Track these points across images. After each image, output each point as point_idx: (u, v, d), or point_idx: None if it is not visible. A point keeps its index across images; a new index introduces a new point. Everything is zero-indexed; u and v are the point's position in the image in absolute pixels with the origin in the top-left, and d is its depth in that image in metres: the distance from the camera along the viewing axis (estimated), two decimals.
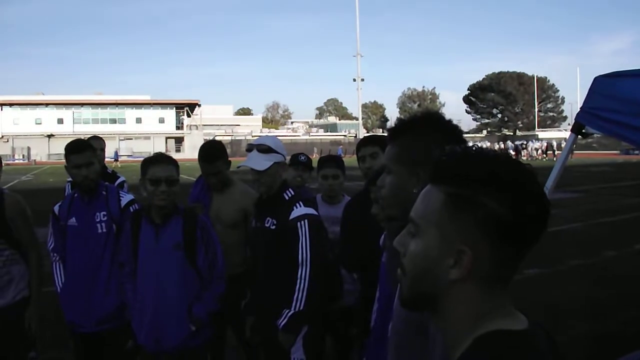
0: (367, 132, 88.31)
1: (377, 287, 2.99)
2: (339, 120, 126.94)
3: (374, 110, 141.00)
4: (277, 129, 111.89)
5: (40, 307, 4.32)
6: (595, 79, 3.53)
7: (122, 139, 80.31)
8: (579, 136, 3.67)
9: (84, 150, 4.29)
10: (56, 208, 4.39)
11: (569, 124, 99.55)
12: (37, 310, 4.29)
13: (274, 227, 3.88)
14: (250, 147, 3.96)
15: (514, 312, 1.21)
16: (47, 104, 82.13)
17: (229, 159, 4.75)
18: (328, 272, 4.03)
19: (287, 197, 3.94)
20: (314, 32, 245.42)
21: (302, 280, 3.76)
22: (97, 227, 4.24)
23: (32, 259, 4.32)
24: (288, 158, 4.35)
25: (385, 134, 4.18)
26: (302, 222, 3.80)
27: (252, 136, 78.84)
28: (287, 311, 3.76)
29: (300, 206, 3.87)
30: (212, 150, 4.69)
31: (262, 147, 3.88)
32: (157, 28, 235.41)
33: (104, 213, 4.27)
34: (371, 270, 3.49)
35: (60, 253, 4.36)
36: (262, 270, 4.00)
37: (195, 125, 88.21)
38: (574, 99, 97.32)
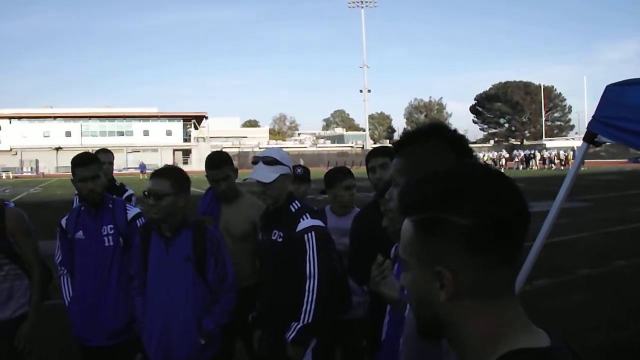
0: (374, 143, 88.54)
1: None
2: (346, 131, 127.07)
3: (380, 121, 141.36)
4: (284, 141, 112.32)
5: (33, 326, 4.24)
6: (607, 87, 3.51)
7: (130, 151, 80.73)
8: (591, 145, 3.65)
9: (90, 164, 4.28)
10: (63, 221, 4.39)
11: (576, 133, 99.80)
12: (30, 329, 4.23)
13: (280, 239, 3.85)
14: (256, 160, 3.95)
15: (534, 328, 1.19)
16: (55, 117, 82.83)
17: (237, 170, 4.74)
18: (337, 284, 4.00)
19: (293, 209, 3.91)
20: (320, 44, 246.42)
21: (310, 293, 3.72)
22: (104, 240, 4.23)
23: (33, 277, 4.28)
24: None
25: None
26: (309, 234, 3.76)
27: (259, 148, 79.03)
28: (295, 324, 3.72)
29: (307, 218, 3.85)
30: (219, 156, 4.68)
31: (268, 159, 3.87)
32: (164, 40, 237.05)
33: (111, 226, 4.27)
34: None
35: (68, 266, 4.34)
36: (270, 282, 3.98)
37: (203, 138, 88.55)
38: (581, 107, 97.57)
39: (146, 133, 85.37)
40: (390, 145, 4.31)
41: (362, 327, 4.53)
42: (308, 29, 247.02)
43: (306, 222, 3.82)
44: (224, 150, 5.12)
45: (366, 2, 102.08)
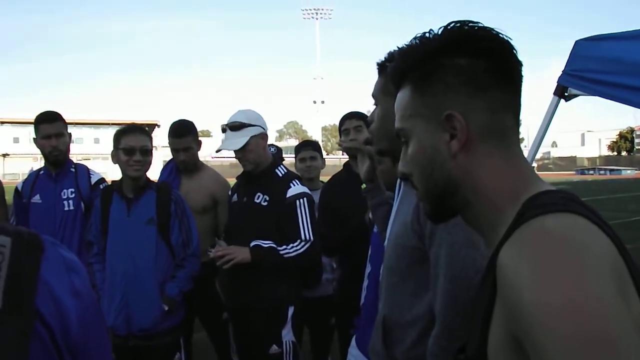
0: (327, 154, 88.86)
1: (360, 267, 2.92)
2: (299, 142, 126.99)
3: (333, 133, 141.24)
4: None
5: None
6: (577, 42, 3.50)
7: (80, 159, 79.02)
8: (562, 99, 3.65)
9: (55, 120, 4.14)
10: (19, 185, 4.21)
11: (525, 146, 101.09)
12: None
13: (265, 203, 3.74)
14: (224, 128, 3.81)
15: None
16: (2, 122, 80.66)
17: (200, 142, 4.62)
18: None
19: (280, 174, 3.85)
20: (274, 54, 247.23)
21: (302, 248, 3.66)
22: (63, 204, 4.06)
23: None
24: None
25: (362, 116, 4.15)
26: (302, 200, 3.70)
27: (212, 157, 78.43)
28: (270, 244, 3.63)
29: (297, 184, 3.80)
30: (183, 125, 4.54)
31: (234, 125, 3.74)
32: (118, 47, 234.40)
33: (72, 190, 4.09)
34: (355, 250, 3.42)
35: None
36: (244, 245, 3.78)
37: (155, 147, 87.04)
38: (529, 121, 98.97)
39: (97, 141, 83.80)
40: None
41: (331, 305, 4.46)
42: (263, 39, 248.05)
43: (297, 188, 3.77)
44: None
45: (321, 13, 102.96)
